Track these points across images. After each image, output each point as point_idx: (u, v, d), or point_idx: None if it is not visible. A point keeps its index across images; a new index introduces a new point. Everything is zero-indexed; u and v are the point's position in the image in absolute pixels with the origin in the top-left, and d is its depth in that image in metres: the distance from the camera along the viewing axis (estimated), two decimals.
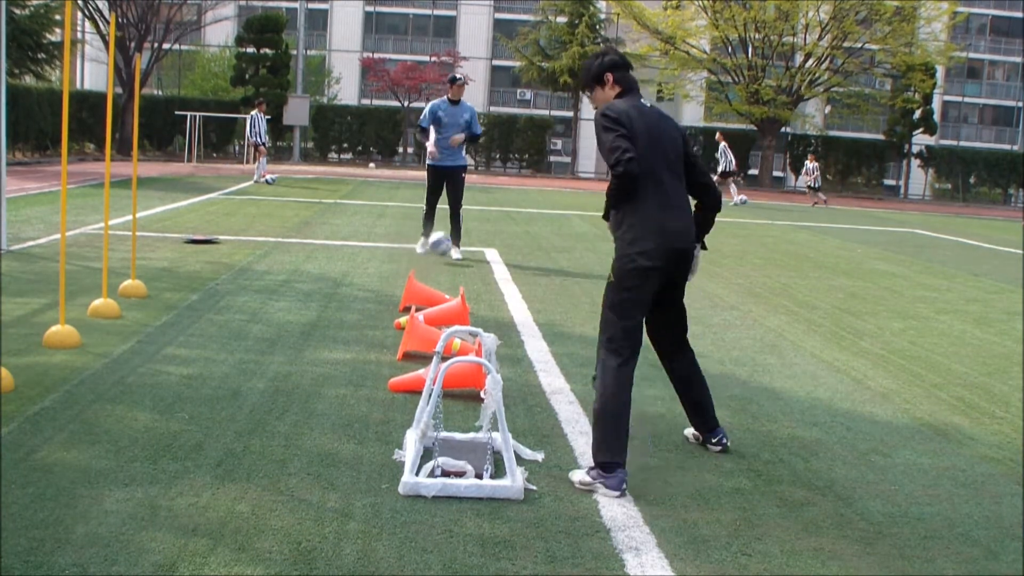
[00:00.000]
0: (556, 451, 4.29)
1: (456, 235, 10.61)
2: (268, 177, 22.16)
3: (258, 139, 22.40)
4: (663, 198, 4.11)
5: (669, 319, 4.45)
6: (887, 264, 13.08)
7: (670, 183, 4.16)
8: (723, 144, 25.93)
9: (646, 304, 4.17)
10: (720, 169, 25.71)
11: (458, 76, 10.63)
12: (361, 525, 3.38)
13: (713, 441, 4.43)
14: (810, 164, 29.16)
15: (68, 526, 3.21)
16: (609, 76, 4.28)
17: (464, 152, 10.67)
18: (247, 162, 30.72)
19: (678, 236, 4.14)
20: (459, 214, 10.59)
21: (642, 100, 4.27)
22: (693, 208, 4.34)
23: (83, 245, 9.86)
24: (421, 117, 10.54)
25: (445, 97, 10.43)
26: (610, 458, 3.86)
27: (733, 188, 26.31)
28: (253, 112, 22.83)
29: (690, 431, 4.59)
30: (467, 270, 9.82)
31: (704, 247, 4.40)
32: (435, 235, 10.48)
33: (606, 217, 4.27)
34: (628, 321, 4.10)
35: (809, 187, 29.09)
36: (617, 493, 3.79)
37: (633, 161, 4.00)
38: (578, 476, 3.93)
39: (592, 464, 3.93)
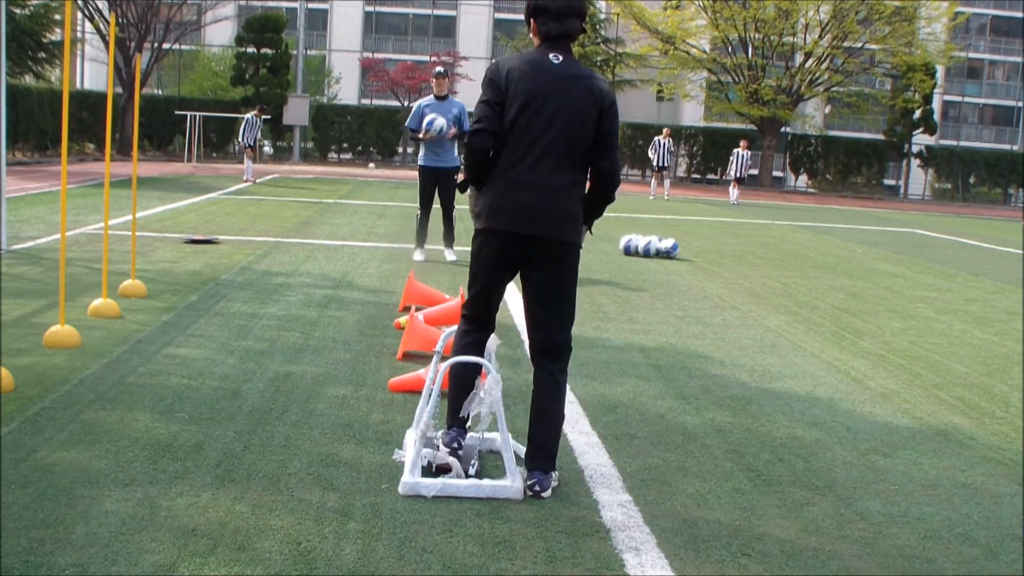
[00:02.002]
0: None
1: (449, 237, 10.49)
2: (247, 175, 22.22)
3: (250, 141, 22.46)
4: (527, 174, 3.66)
5: (534, 315, 3.85)
6: (887, 264, 13.08)
7: (546, 157, 3.66)
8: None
9: (497, 279, 3.86)
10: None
11: (441, 69, 10.34)
12: (361, 525, 3.38)
13: (529, 483, 3.71)
14: (741, 152, 25.93)
15: (68, 526, 3.21)
16: (532, 22, 3.78)
17: (456, 152, 10.34)
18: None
19: (524, 220, 3.67)
20: (452, 216, 10.40)
21: (554, 56, 3.72)
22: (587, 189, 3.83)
23: (83, 245, 9.86)
24: (408, 120, 10.26)
25: (431, 95, 10.17)
26: (450, 418, 3.93)
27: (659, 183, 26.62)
28: (251, 114, 22.80)
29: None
30: (467, 270, 9.81)
31: (590, 231, 3.98)
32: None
33: (462, 188, 3.91)
34: (478, 292, 3.90)
35: (736, 178, 26.09)
36: (447, 450, 3.85)
37: (483, 134, 3.63)
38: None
39: None
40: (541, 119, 3.65)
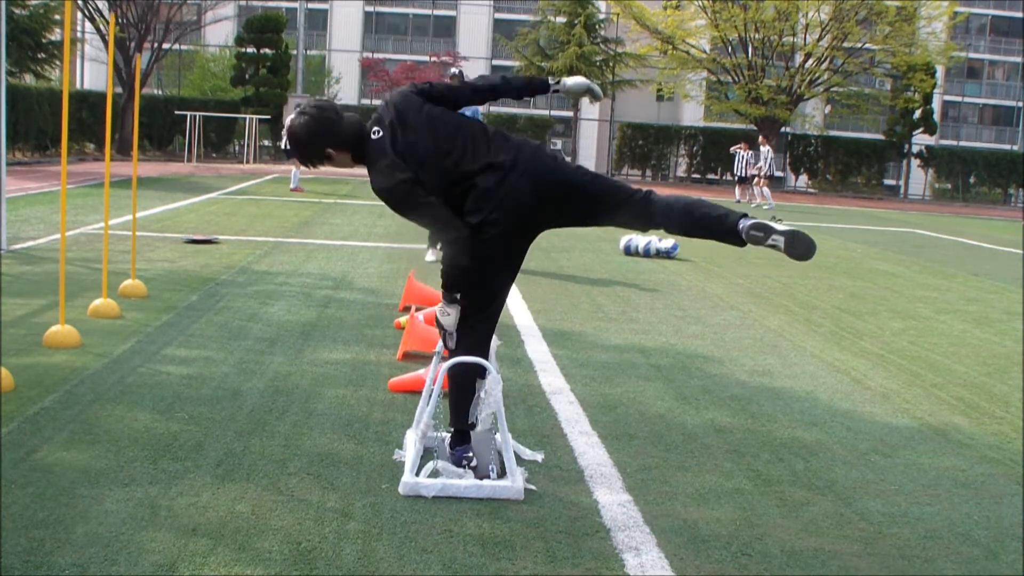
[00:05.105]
0: (556, 451, 4.29)
1: (435, 239, 10.47)
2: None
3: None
4: (484, 178, 3.66)
5: (596, 216, 3.77)
6: (887, 264, 13.08)
7: (478, 159, 3.67)
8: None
9: (507, 263, 3.81)
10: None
11: (454, 70, 10.22)
12: (361, 525, 3.38)
13: (741, 234, 3.56)
14: (763, 148, 25.21)
15: (68, 526, 3.21)
16: (331, 152, 3.79)
17: None
18: (247, 162, 30.76)
19: (507, 205, 3.66)
20: None
21: (374, 135, 3.73)
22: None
23: (83, 245, 9.86)
24: None
25: None
26: (455, 433, 3.96)
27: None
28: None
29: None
30: None
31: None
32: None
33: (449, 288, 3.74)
34: (491, 289, 3.84)
35: (765, 176, 25.07)
36: (461, 470, 3.81)
37: (462, 230, 3.62)
38: None
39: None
40: (438, 164, 3.63)
